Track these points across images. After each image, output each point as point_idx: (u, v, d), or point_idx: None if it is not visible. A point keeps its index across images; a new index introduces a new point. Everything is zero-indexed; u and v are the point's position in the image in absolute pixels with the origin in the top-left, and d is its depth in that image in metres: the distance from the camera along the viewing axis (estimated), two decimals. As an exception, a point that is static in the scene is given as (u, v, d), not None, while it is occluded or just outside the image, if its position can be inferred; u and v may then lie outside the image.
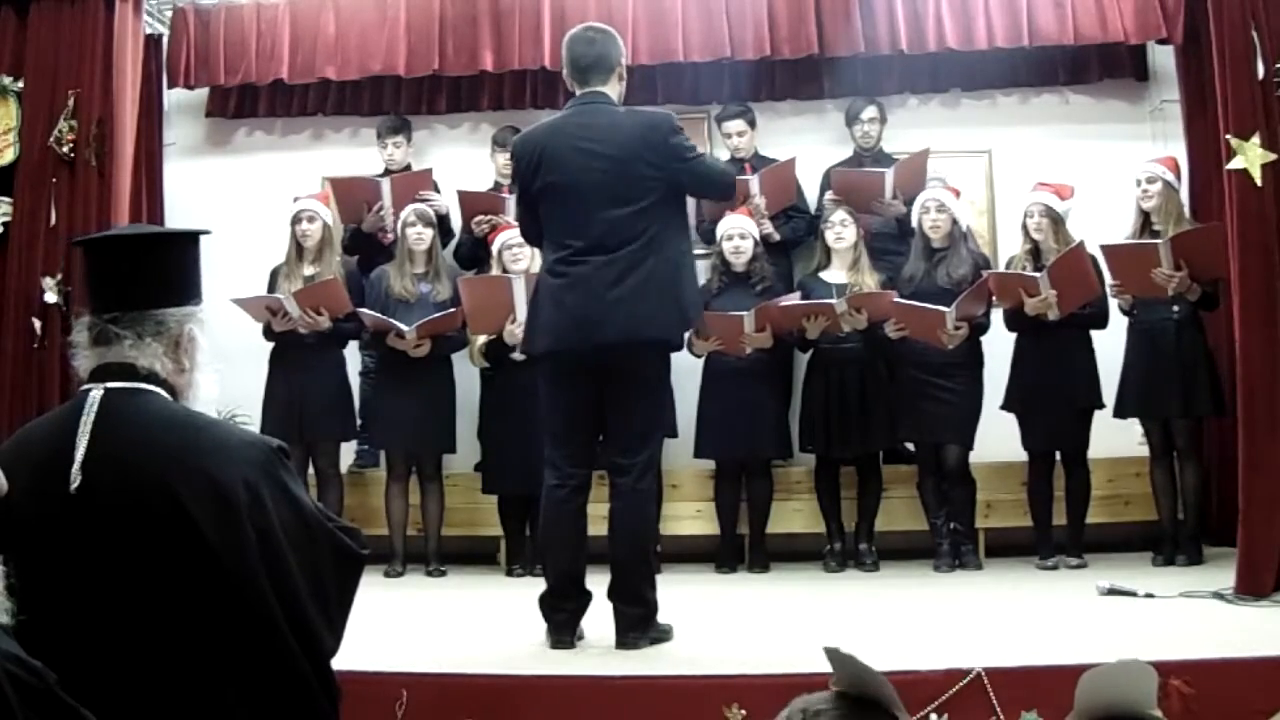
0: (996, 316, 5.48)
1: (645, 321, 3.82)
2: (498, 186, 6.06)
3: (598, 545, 3.99)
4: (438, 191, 6.05)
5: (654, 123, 3.96)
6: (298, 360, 5.62)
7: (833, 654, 1.64)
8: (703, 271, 5.65)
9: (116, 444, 1.98)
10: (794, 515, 5.78)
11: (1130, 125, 6.11)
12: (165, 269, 2.15)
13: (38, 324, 5.07)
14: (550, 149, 3.92)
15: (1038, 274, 5.21)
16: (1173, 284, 5.01)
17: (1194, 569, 5.03)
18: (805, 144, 6.14)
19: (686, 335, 4.93)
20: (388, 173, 6.12)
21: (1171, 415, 5.20)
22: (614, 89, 3.99)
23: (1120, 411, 5.32)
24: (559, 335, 3.87)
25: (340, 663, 2.10)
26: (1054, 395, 5.29)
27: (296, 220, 5.71)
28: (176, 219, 6.00)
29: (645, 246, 3.83)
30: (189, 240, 2.24)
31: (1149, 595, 4.44)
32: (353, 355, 5.93)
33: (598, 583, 3.94)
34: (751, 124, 6.01)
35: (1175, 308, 5.14)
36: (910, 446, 5.68)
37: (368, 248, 6.07)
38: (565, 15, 5.88)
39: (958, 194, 5.60)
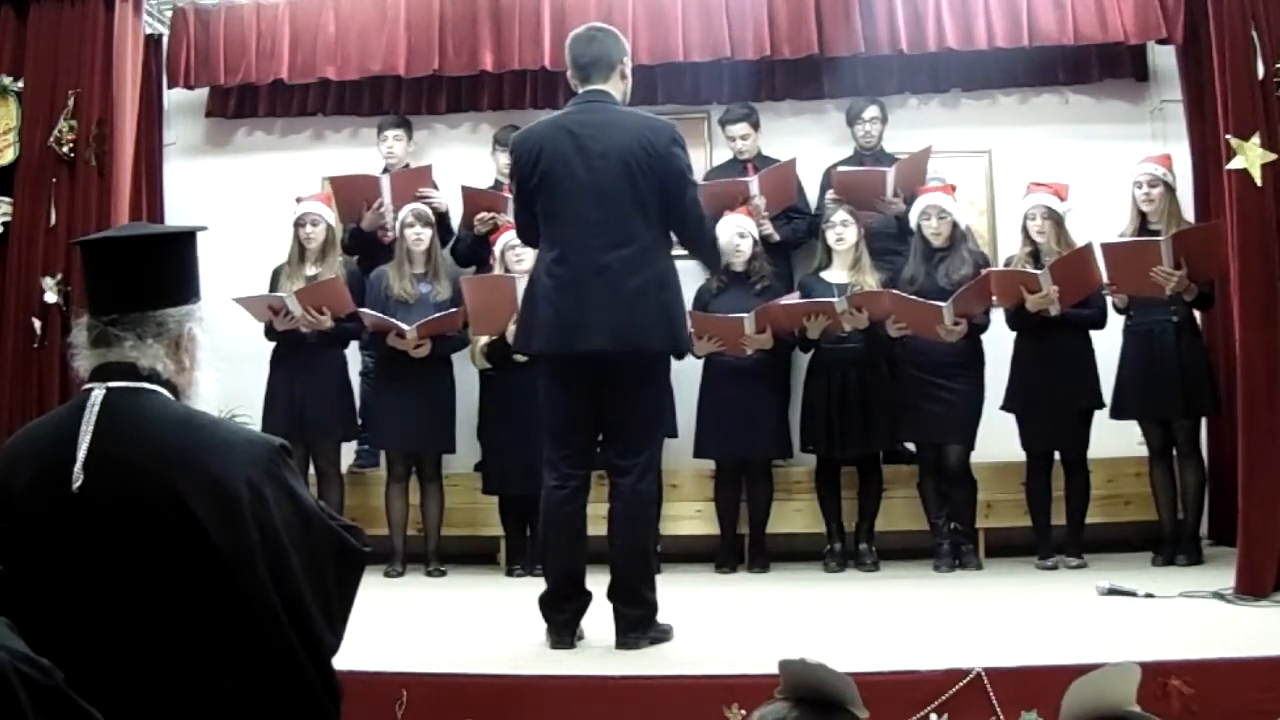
0: (996, 316, 5.48)
1: (641, 331, 3.80)
2: (498, 185, 6.06)
3: (598, 545, 3.99)
4: (437, 189, 6.05)
5: (656, 127, 3.92)
6: (299, 360, 5.62)
7: (787, 665, 1.64)
8: (702, 271, 5.67)
9: (119, 443, 1.98)
10: (794, 515, 5.78)
11: (1130, 125, 6.12)
12: (164, 269, 2.15)
13: (38, 324, 5.07)
14: (549, 145, 3.89)
15: (1039, 271, 5.21)
16: (1171, 283, 5.01)
17: (1194, 569, 5.04)
18: (805, 144, 6.14)
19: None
20: (387, 170, 6.12)
21: (1173, 416, 5.20)
22: (616, 88, 3.96)
23: (1118, 413, 5.31)
24: (554, 337, 3.85)
25: (340, 663, 2.09)
26: (1054, 396, 5.29)
27: (300, 224, 5.71)
28: (176, 219, 6.00)
29: (641, 254, 3.81)
30: (187, 239, 2.23)
31: (1149, 595, 4.44)
32: (353, 355, 5.94)
33: (598, 583, 3.93)
34: (755, 126, 6.01)
35: (1173, 309, 5.14)
36: (911, 446, 5.68)
37: (368, 247, 6.07)
38: (565, 15, 5.89)
39: (953, 190, 5.58)
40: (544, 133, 3.96)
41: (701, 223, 4.06)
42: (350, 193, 6.00)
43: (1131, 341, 5.29)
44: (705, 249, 4.22)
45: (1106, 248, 5.14)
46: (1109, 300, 5.29)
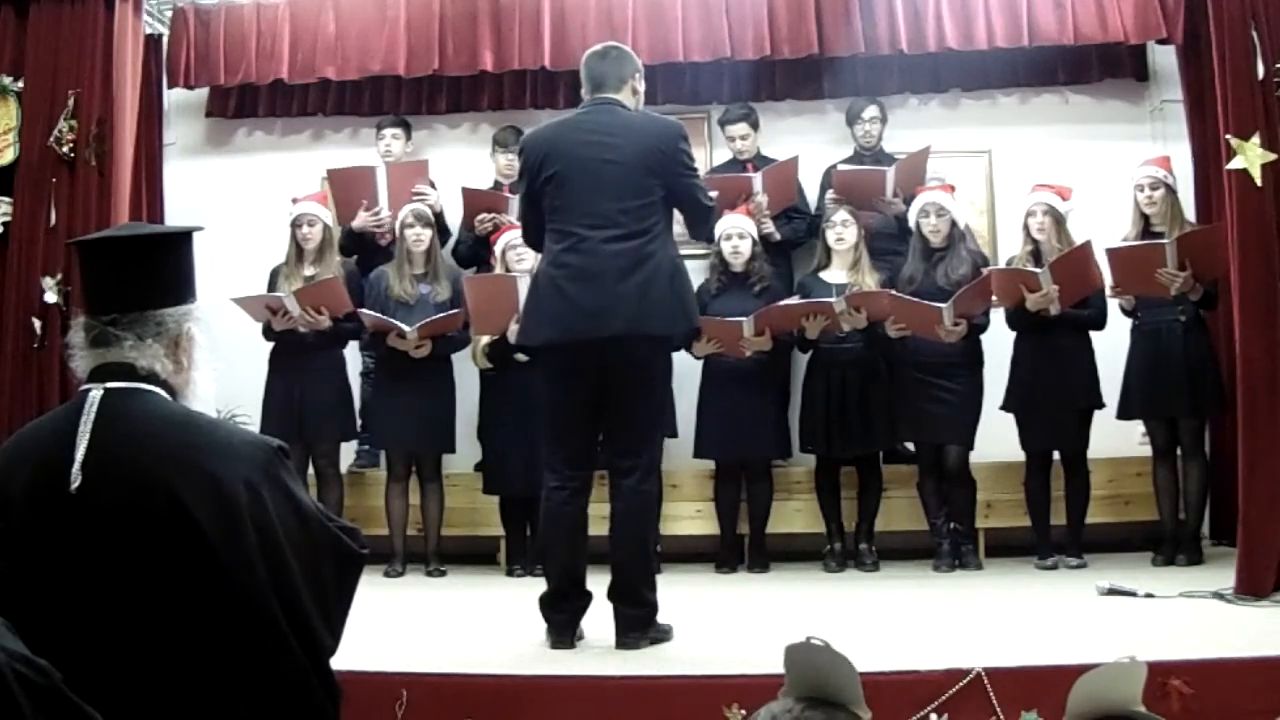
0: (996, 316, 5.48)
1: (652, 316, 3.83)
2: (498, 186, 6.06)
3: (598, 545, 4.00)
4: (433, 187, 6.04)
5: (663, 125, 4.01)
6: (298, 360, 5.62)
7: (793, 650, 1.64)
8: (702, 271, 5.67)
9: (117, 444, 1.98)
10: (794, 515, 5.78)
11: (1130, 125, 6.12)
12: (163, 269, 2.15)
13: (38, 324, 5.06)
14: (559, 143, 3.94)
15: (1039, 270, 5.21)
16: (1177, 284, 5.01)
17: (1194, 569, 5.04)
18: (805, 144, 6.14)
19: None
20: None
21: (1179, 415, 5.20)
22: (627, 99, 4.01)
23: (1125, 413, 5.31)
24: (564, 325, 3.85)
25: (340, 663, 2.09)
26: (1053, 396, 5.29)
27: (297, 224, 5.71)
28: (176, 219, 5.99)
29: (651, 242, 3.85)
30: (184, 239, 2.23)
31: (1149, 595, 4.44)
32: (353, 355, 5.94)
33: (598, 583, 3.94)
34: (755, 126, 6.02)
35: (1180, 309, 5.14)
36: (910, 447, 5.68)
37: (363, 248, 6.06)
38: (565, 15, 5.89)
39: (952, 190, 5.58)
40: (554, 132, 4.04)
41: (709, 214, 4.20)
42: (348, 186, 5.98)
43: (1139, 341, 5.29)
44: (705, 233, 4.67)
45: (1111, 253, 5.14)
46: (1116, 303, 5.29)
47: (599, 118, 3.95)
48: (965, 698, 3.25)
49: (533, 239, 4.20)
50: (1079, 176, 5.65)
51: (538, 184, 3.96)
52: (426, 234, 5.68)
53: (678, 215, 4.08)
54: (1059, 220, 5.35)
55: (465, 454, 5.86)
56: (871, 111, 5.96)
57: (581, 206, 3.86)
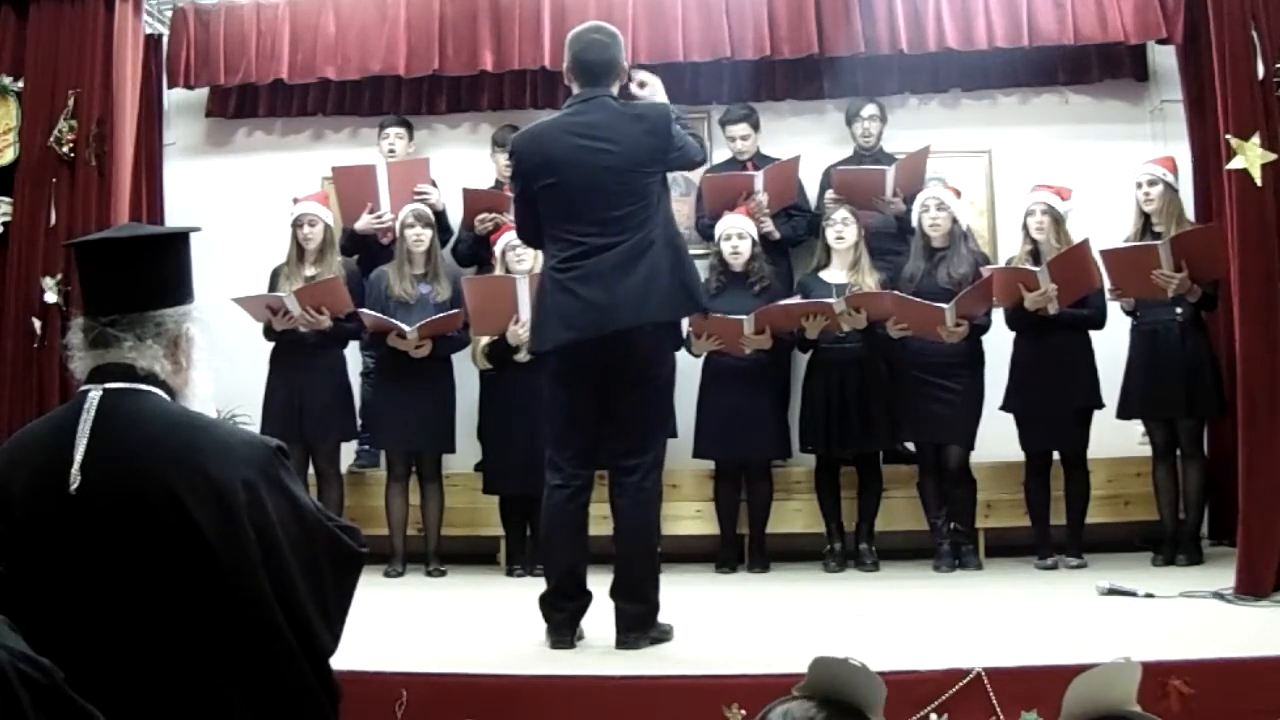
0: (997, 316, 5.48)
1: (656, 305, 3.85)
2: (498, 186, 6.06)
3: (598, 545, 3.99)
4: (435, 186, 6.05)
5: (652, 116, 4.01)
6: (298, 360, 5.62)
7: (823, 662, 1.63)
8: (701, 271, 5.66)
9: (116, 444, 1.98)
10: (794, 515, 5.78)
11: (1130, 125, 6.12)
12: (163, 270, 2.15)
13: (38, 324, 5.07)
14: (553, 148, 3.93)
15: (1037, 269, 5.22)
16: (1173, 285, 5.01)
17: (1194, 569, 5.04)
18: (805, 144, 6.13)
19: (686, 334, 4.95)
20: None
21: (1176, 415, 5.20)
22: (616, 89, 4.03)
23: (1124, 412, 5.32)
24: (572, 324, 3.86)
25: (340, 663, 2.10)
26: (1053, 396, 5.29)
27: (298, 224, 5.71)
28: (176, 219, 6.00)
29: (650, 233, 3.86)
30: (182, 240, 2.24)
31: (1149, 595, 4.44)
32: (353, 355, 5.93)
33: (599, 583, 3.94)
34: (755, 126, 6.01)
35: (1179, 309, 5.14)
36: (910, 446, 5.68)
37: (364, 248, 6.06)
38: (565, 15, 5.88)
39: (958, 194, 5.60)
40: (546, 134, 4.01)
41: (700, 147, 4.23)
42: (351, 184, 5.98)
43: (1138, 341, 5.29)
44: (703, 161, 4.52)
45: (1106, 254, 5.14)
46: (1118, 303, 5.29)
47: (591, 117, 3.93)
48: (965, 698, 3.25)
49: (530, 237, 4.22)
50: (1079, 176, 5.64)
51: (533, 188, 3.96)
52: (427, 234, 5.68)
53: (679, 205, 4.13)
54: (1058, 220, 5.35)
55: (465, 454, 5.86)
56: (870, 110, 5.96)
57: (581, 214, 3.87)
